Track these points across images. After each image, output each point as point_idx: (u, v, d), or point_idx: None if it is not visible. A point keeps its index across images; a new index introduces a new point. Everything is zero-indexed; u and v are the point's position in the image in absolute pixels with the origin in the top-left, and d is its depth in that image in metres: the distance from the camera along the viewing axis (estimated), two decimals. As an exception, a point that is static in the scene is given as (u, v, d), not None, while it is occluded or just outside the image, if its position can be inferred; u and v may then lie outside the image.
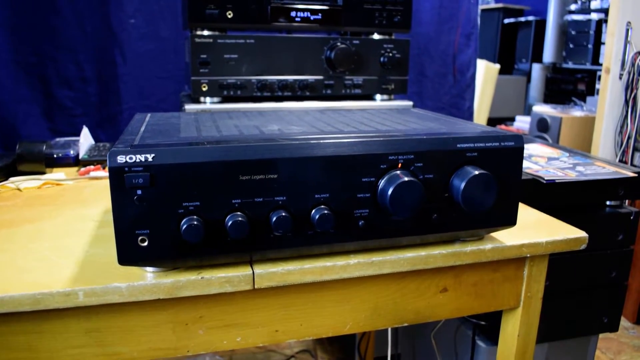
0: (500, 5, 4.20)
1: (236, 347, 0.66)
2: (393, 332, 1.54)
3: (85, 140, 1.24)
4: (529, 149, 1.25)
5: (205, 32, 1.10)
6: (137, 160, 0.53)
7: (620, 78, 2.26)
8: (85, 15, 1.41)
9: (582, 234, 0.75)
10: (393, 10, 1.22)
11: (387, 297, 0.70)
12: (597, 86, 3.05)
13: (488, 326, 1.11)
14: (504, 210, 0.68)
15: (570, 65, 3.61)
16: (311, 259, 0.63)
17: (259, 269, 0.61)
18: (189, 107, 1.11)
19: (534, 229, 0.77)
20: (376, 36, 1.24)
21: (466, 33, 1.84)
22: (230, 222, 0.56)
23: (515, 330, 0.79)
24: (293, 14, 1.16)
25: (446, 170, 0.64)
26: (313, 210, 0.59)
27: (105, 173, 1.07)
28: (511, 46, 4.21)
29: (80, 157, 1.17)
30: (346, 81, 1.22)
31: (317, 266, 0.63)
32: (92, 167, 1.10)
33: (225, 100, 1.15)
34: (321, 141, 0.59)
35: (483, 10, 4.25)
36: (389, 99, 1.29)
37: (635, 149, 2.24)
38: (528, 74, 4.00)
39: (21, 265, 0.62)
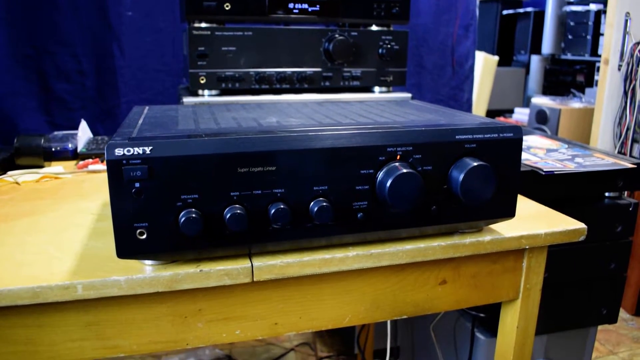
0: (498, -4, 4.18)
1: (235, 340, 0.66)
2: (392, 324, 1.55)
3: (83, 133, 1.23)
4: (528, 140, 1.25)
5: (203, 25, 1.10)
6: (135, 152, 0.53)
7: (619, 69, 2.25)
8: (82, 8, 1.40)
9: (581, 225, 0.75)
10: (391, 1, 1.22)
11: (386, 290, 0.70)
12: (596, 77, 3.05)
13: (487, 318, 1.11)
14: (502, 202, 0.68)
15: (569, 56, 3.60)
16: (310, 252, 0.63)
17: (258, 262, 0.61)
18: (187, 99, 1.11)
19: (533, 220, 0.77)
20: (374, 27, 1.24)
21: (465, 24, 1.84)
22: (228, 215, 0.56)
23: (515, 322, 0.80)
24: (291, 5, 1.16)
25: (445, 162, 0.63)
26: (312, 203, 0.59)
27: (103, 166, 1.06)
28: (510, 38, 4.20)
29: (78, 150, 1.17)
30: (344, 73, 1.21)
31: (316, 259, 0.63)
32: (90, 160, 1.10)
33: (223, 93, 1.15)
34: (320, 133, 0.59)
35: (481, 2, 4.23)
36: (388, 91, 1.28)
37: (634, 141, 2.24)
38: (527, 66, 3.99)
39: (19, 258, 0.62)
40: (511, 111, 3.52)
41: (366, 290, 0.69)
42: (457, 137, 0.63)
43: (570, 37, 3.58)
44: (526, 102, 3.79)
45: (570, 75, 3.65)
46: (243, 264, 0.60)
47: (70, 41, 1.41)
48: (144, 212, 0.55)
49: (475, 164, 0.62)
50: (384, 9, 1.21)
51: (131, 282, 0.57)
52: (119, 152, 0.53)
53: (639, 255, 2.14)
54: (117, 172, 0.53)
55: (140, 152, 0.53)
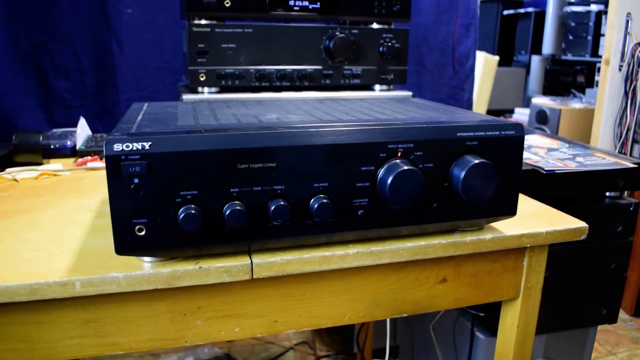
0: (499, -4, 4.18)
1: (235, 338, 0.66)
2: (392, 323, 1.54)
3: (82, 131, 1.23)
4: (529, 139, 1.25)
5: (203, 22, 1.09)
6: (134, 148, 0.52)
7: (620, 69, 2.25)
8: (81, 5, 1.39)
9: (582, 224, 0.75)
10: (392, -1, 1.21)
11: (386, 288, 0.70)
12: (596, 78, 3.04)
13: (487, 317, 1.11)
14: (504, 200, 0.67)
15: (569, 57, 3.60)
16: (310, 249, 0.63)
17: (258, 259, 0.60)
18: (187, 97, 1.10)
19: (534, 219, 0.76)
20: (375, 25, 1.23)
21: (465, 23, 1.83)
22: (228, 211, 0.55)
23: (515, 321, 0.79)
24: (291, 2, 1.15)
25: (446, 159, 0.63)
26: (312, 200, 0.59)
27: (102, 164, 1.06)
28: (510, 38, 4.19)
29: (77, 147, 1.16)
30: (345, 71, 1.21)
31: (316, 256, 0.62)
32: (89, 157, 1.09)
33: (223, 90, 1.15)
34: (320, 129, 0.59)
35: (482, 2, 4.22)
36: (388, 89, 1.28)
37: (634, 141, 2.24)
38: (527, 66, 3.99)
39: (17, 255, 0.62)
40: (511, 111, 3.52)
41: (366, 288, 0.69)
42: (458, 134, 0.63)
43: (570, 37, 3.58)
44: (526, 103, 3.79)
45: (571, 76, 3.65)
46: (242, 261, 0.60)
47: (70, 38, 1.40)
48: (143, 208, 0.54)
49: (476, 161, 0.62)
50: (385, 6, 1.21)
51: (130, 279, 0.57)
52: (117, 147, 0.52)
53: (639, 256, 2.13)
54: (116, 168, 0.53)
55: (140, 147, 0.53)
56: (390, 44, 1.22)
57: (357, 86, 1.25)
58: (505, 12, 4.18)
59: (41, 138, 1.07)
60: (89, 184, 0.94)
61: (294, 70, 1.17)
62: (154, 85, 1.50)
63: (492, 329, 1.11)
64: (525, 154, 1.09)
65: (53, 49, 1.40)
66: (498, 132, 0.65)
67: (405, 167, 0.59)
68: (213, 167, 0.55)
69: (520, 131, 0.66)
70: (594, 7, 3.36)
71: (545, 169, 0.98)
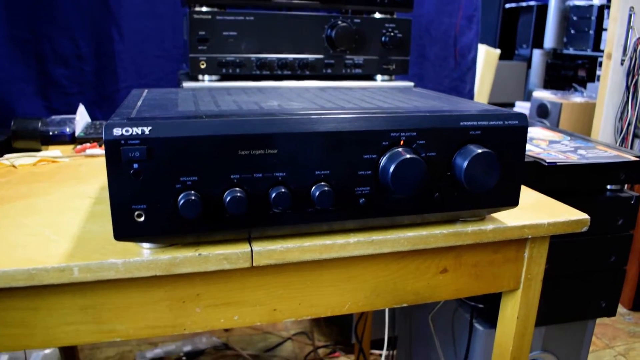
0: (501, -11, 4.16)
1: (234, 326, 0.66)
2: (390, 314, 1.54)
3: (81, 117, 1.22)
4: (531, 132, 1.24)
5: (204, 9, 1.08)
6: (134, 133, 0.52)
7: (622, 64, 2.24)
8: (81, -9, 1.38)
9: (584, 216, 0.74)
10: (395, -11, 1.20)
11: (387, 277, 0.70)
12: (597, 72, 3.03)
13: (486, 309, 1.10)
14: (506, 190, 0.67)
15: (571, 51, 3.59)
16: (311, 237, 0.62)
17: (258, 247, 0.60)
18: (187, 84, 1.09)
19: (536, 210, 0.76)
20: (377, 15, 1.22)
21: (468, 15, 1.82)
22: (228, 198, 0.55)
23: (515, 313, 0.79)
24: (293, -10, 1.14)
25: (449, 148, 0.62)
26: (313, 187, 0.58)
27: (101, 151, 1.05)
28: (512, 31, 4.18)
29: (76, 134, 1.15)
30: (347, 60, 1.20)
31: (317, 244, 0.62)
32: (88, 144, 1.09)
33: (223, 78, 1.14)
34: (322, 117, 0.58)
35: (484, -6, 4.20)
36: (390, 80, 1.27)
37: (635, 136, 2.24)
38: (528, 60, 3.98)
39: (15, 240, 0.61)
40: (512, 105, 3.51)
41: (367, 278, 0.69)
42: (461, 123, 0.62)
43: (572, 31, 3.57)
44: (527, 96, 3.78)
45: (572, 70, 3.64)
46: (242, 248, 0.59)
47: (69, 25, 1.39)
48: (142, 194, 0.54)
49: (479, 150, 0.61)
50: (388, -4, 1.20)
51: (128, 265, 0.56)
52: (117, 132, 0.52)
53: (638, 250, 2.14)
54: (115, 153, 0.52)
55: (139, 132, 0.52)
56: (392, 33, 1.21)
57: (358, 76, 1.24)
58: (508, 5, 4.16)
59: (40, 125, 1.06)
60: (87, 170, 0.94)
61: (295, 59, 1.16)
62: (154, 73, 1.49)
63: (490, 321, 1.11)
64: (527, 146, 1.08)
65: (52, 36, 1.39)
66: (501, 122, 0.64)
67: (408, 156, 0.58)
68: (213, 153, 0.54)
69: (523, 121, 0.65)
70: (596, 1, 3.34)
71: (547, 161, 0.98)
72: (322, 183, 0.58)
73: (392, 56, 1.24)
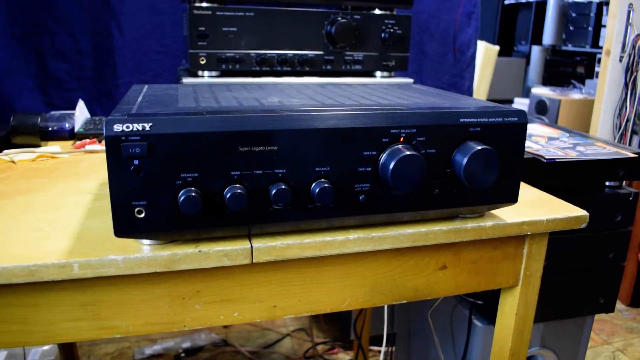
0: (501, -15, 4.16)
1: (233, 323, 0.66)
2: (389, 310, 1.55)
3: (80, 113, 1.22)
4: (529, 128, 1.24)
5: (204, 4, 1.08)
6: (134, 129, 0.52)
7: (621, 60, 2.24)
8: (80, -14, 1.38)
9: (583, 212, 0.74)
10: (395, -15, 1.20)
11: (386, 274, 0.70)
12: (596, 69, 3.04)
13: (485, 306, 1.11)
14: (505, 187, 0.67)
15: (569, 47, 3.59)
16: (310, 234, 0.63)
17: (258, 243, 0.60)
18: (187, 80, 1.09)
19: (535, 207, 0.76)
20: (377, 11, 1.22)
21: (467, 11, 1.82)
22: (229, 194, 0.55)
23: (514, 309, 0.79)
24: (293, -14, 1.14)
25: (448, 145, 0.62)
26: (313, 184, 0.58)
27: (101, 147, 1.05)
28: (511, 28, 4.18)
29: (75, 130, 1.15)
30: (346, 57, 1.20)
31: (317, 241, 0.62)
32: (87, 140, 1.09)
33: (223, 74, 1.14)
34: (322, 113, 0.58)
35: (483, -9, 4.19)
36: (389, 76, 1.27)
37: (633, 132, 2.24)
38: (527, 56, 3.97)
39: (14, 236, 0.61)
40: (511, 101, 3.51)
41: (366, 274, 0.69)
42: (461, 120, 0.62)
43: (571, 28, 3.56)
44: (526, 93, 3.78)
45: (571, 67, 3.64)
46: (242, 245, 0.60)
47: (69, 19, 1.38)
48: (143, 190, 0.54)
49: (479, 147, 0.61)
50: (387, -8, 1.20)
51: (128, 261, 0.56)
52: (117, 128, 0.51)
53: (635, 246, 2.14)
54: (116, 149, 0.52)
55: (140, 128, 0.52)
56: (392, 30, 1.21)
57: (358, 72, 1.24)
58: (507, 2, 4.16)
59: (39, 120, 1.06)
60: (87, 166, 0.94)
61: (295, 55, 1.16)
62: (153, 70, 1.49)
63: (489, 317, 1.12)
64: (526, 143, 1.08)
65: (52, 31, 1.38)
66: (501, 119, 0.64)
67: (408, 153, 0.58)
68: (214, 149, 0.54)
69: (523, 118, 0.65)
70: (595, -2, 3.34)
71: (546, 157, 0.98)
72: (322, 180, 0.58)
73: (391, 52, 1.23)
